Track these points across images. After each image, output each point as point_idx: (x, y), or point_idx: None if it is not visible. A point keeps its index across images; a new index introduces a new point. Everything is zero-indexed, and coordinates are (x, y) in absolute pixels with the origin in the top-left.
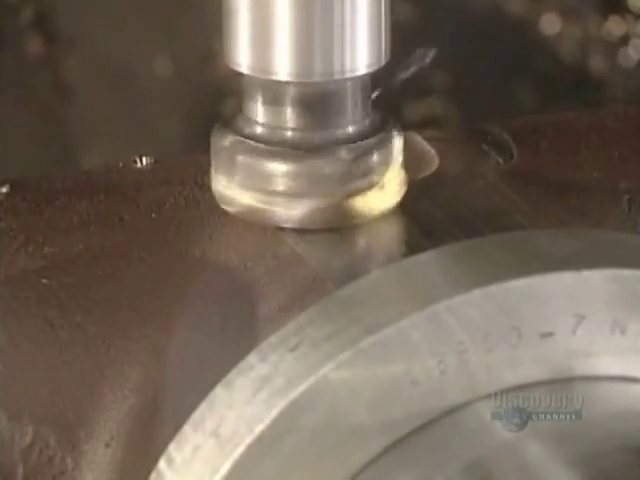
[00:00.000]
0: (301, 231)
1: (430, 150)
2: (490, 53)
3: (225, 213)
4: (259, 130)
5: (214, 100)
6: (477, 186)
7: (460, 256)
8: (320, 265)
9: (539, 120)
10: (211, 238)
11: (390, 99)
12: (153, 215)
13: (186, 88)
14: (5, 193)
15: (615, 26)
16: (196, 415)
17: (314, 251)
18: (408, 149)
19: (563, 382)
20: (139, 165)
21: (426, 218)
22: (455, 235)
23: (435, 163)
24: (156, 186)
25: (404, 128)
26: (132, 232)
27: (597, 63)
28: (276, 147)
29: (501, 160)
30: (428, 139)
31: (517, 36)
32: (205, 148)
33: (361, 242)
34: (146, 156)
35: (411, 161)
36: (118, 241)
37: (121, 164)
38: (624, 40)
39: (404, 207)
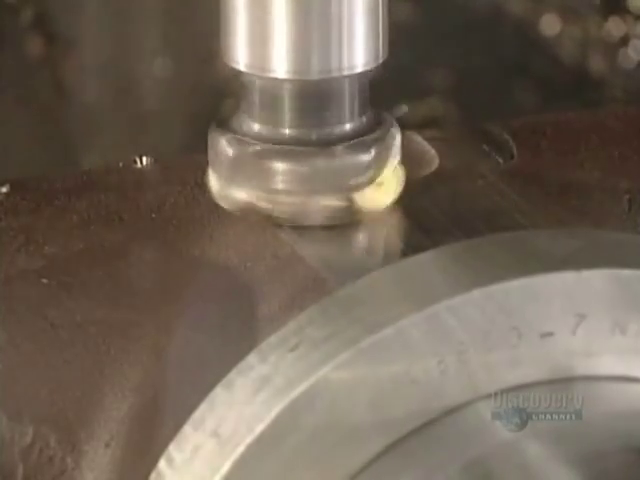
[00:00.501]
0: (299, 229)
1: (430, 150)
2: (490, 53)
3: (225, 212)
4: (257, 128)
5: (214, 100)
6: (477, 186)
7: (460, 256)
8: (320, 264)
9: (539, 120)
10: (211, 238)
11: (390, 99)
12: (153, 215)
13: (186, 88)
14: (5, 193)
15: (615, 27)
16: (196, 415)
17: (313, 250)
18: (408, 149)
19: (563, 382)
20: (139, 165)
21: (426, 217)
22: (455, 235)
23: (435, 163)
24: (156, 186)
25: (404, 128)
26: (132, 232)
27: (597, 64)
28: (273, 145)
29: (501, 160)
30: (428, 139)
31: (517, 36)
32: (205, 148)
33: (360, 240)
34: (146, 156)
35: (411, 161)
36: (118, 241)
37: (121, 164)
38: (624, 41)
39: (404, 206)
